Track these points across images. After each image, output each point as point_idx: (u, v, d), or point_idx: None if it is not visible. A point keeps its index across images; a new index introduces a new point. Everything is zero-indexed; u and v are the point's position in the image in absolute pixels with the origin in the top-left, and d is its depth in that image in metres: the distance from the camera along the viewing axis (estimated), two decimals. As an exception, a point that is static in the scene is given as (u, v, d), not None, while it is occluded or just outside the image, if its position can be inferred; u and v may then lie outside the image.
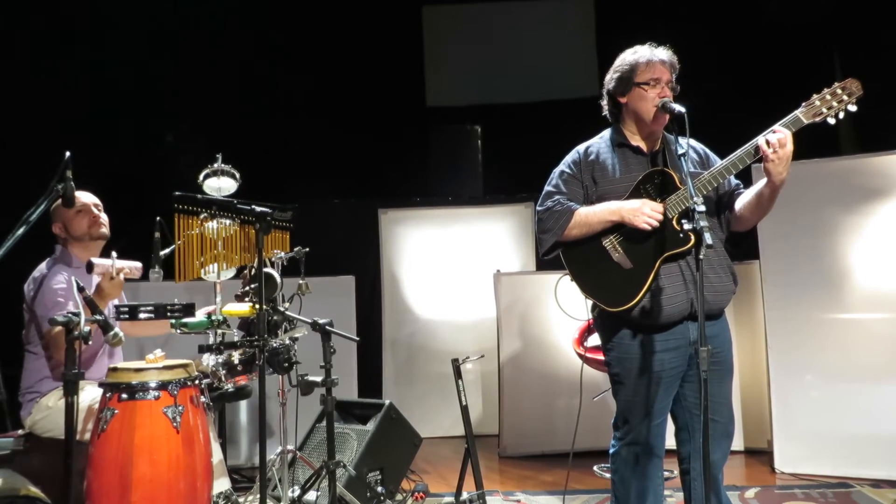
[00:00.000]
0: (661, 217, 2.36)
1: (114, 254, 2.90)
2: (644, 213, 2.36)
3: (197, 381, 2.65)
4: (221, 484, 2.87)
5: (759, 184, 2.38)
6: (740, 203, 2.49)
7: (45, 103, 5.27)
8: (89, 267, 2.66)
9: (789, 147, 2.26)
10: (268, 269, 3.36)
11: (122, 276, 2.73)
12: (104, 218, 3.09)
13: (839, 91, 2.30)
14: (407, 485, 3.82)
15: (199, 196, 2.82)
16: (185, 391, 2.55)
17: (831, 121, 2.31)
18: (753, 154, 2.31)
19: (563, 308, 4.41)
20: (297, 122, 6.21)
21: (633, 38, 2.58)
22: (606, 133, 2.63)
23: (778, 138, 2.25)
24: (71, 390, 2.20)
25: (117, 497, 2.38)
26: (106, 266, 2.69)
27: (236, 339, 3.22)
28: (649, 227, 2.35)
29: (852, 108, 2.29)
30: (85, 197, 3.05)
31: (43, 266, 2.95)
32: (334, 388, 2.88)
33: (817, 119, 2.31)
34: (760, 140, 2.28)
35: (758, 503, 3.64)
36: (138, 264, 2.89)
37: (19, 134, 5.04)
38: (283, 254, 3.43)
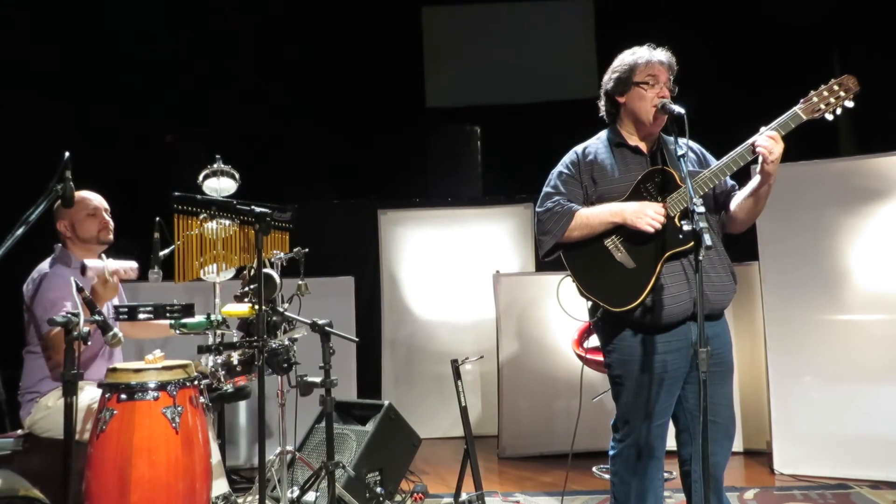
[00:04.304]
0: (663, 220, 2.36)
1: (103, 255, 2.90)
2: (647, 214, 2.36)
3: (196, 382, 2.64)
4: (219, 485, 2.87)
5: (754, 181, 2.40)
6: (735, 204, 2.50)
7: (44, 103, 5.27)
8: (83, 269, 2.66)
9: (781, 146, 2.30)
10: (267, 270, 3.36)
11: (115, 278, 2.73)
12: (111, 223, 3.09)
13: (836, 87, 2.32)
14: (406, 485, 3.82)
15: (199, 196, 2.82)
16: (185, 392, 2.55)
17: (829, 117, 2.33)
18: (749, 154, 2.33)
19: (566, 309, 4.40)
20: (296, 123, 6.22)
21: (632, 39, 2.58)
22: (603, 134, 2.63)
23: (770, 136, 2.29)
24: (70, 391, 2.20)
25: (116, 497, 2.38)
26: (99, 269, 2.69)
27: (235, 339, 3.22)
28: (652, 230, 2.35)
29: (849, 104, 2.32)
30: (96, 199, 3.05)
31: (42, 266, 2.94)
32: (333, 389, 2.88)
33: (816, 115, 2.33)
34: (757, 143, 2.31)
35: (757, 504, 3.64)
36: (133, 264, 2.90)
37: (19, 133, 5.04)
38: (282, 254, 3.43)
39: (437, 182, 6.10)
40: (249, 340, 3.09)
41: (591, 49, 6.56)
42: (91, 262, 2.69)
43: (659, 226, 2.35)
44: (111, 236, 3.07)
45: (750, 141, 2.34)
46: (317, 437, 3.80)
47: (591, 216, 2.45)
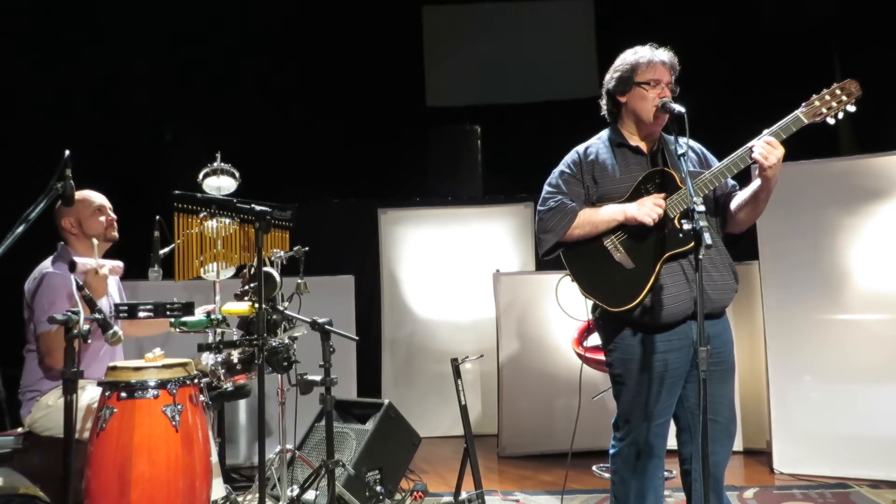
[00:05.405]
0: (661, 211, 2.36)
1: (95, 251, 2.90)
2: (646, 205, 2.37)
3: (196, 380, 2.64)
4: (216, 486, 2.86)
5: (755, 185, 2.41)
6: (735, 204, 2.51)
7: (45, 102, 5.28)
8: (72, 266, 2.66)
9: (780, 151, 2.29)
10: (267, 269, 3.36)
11: (105, 270, 2.73)
12: (116, 221, 3.10)
13: (838, 92, 2.32)
14: (406, 484, 3.82)
15: (199, 195, 2.83)
16: (185, 390, 2.55)
17: (831, 121, 2.33)
18: (749, 157, 2.33)
19: (564, 308, 4.41)
20: (296, 122, 6.21)
21: (632, 39, 2.58)
22: (604, 133, 2.63)
23: (768, 141, 2.29)
24: (70, 389, 2.20)
25: (116, 496, 2.38)
26: (89, 265, 2.70)
27: (235, 338, 3.22)
28: (652, 221, 2.35)
29: (851, 108, 2.32)
30: (100, 198, 3.06)
31: (44, 265, 2.94)
32: (333, 388, 2.88)
33: (817, 119, 2.33)
34: (754, 150, 2.31)
35: (756, 503, 3.64)
36: (120, 263, 2.91)
37: (19, 133, 5.04)
38: (282, 253, 3.43)
39: (438, 181, 6.10)
40: (249, 339, 3.09)
41: (592, 49, 6.56)
42: (81, 259, 2.70)
43: (657, 216, 2.35)
44: (116, 234, 3.08)
45: (749, 144, 2.34)
46: (317, 435, 3.80)
47: (593, 214, 2.46)
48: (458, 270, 5.71)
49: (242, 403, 4.66)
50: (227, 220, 2.86)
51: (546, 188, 2.59)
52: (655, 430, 2.45)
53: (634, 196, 2.44)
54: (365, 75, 6.37)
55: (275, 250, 3.18)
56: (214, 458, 2.88)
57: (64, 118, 5.27)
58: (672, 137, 2.37)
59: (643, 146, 2.54)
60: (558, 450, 4.57)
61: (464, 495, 3.30)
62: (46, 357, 2.77)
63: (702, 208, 2.10)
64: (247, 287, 3.38)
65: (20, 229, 2.17)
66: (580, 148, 2.62)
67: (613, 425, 2.57)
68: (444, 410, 5.34)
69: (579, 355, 4.15)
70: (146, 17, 5.65)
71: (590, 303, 2.53)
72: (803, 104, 2.34)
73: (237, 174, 3.73)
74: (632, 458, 2.48)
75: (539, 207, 2.57)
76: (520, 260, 5.76)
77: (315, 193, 5.93)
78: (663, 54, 2.48)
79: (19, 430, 2.87)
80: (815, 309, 4.12)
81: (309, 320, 2.92)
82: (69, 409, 2.20)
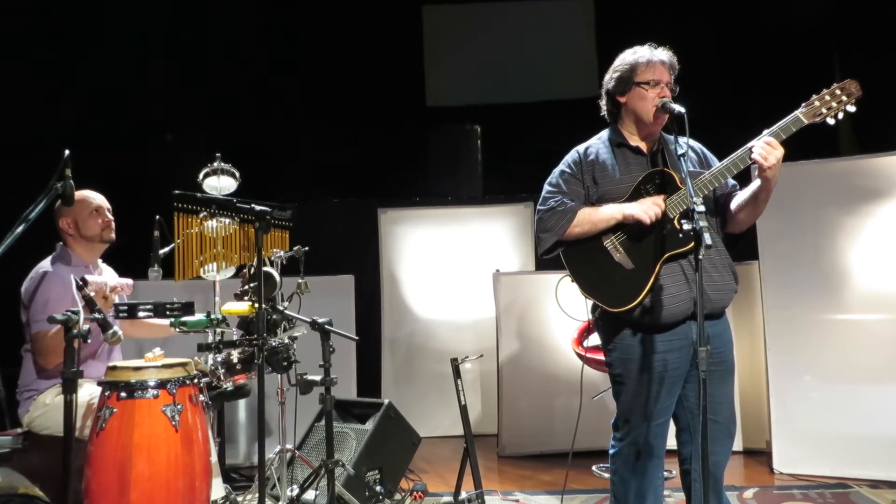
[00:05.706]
0: (660, 211, 2.36)
1: (100, 261, 2.90)
2: (644, 203, 2.37)
3: (196, 380, 2.64)
4: (215, 485, 2.86)
5: (755, 185, 2.41)
6: (735, 204, 2.51)
7: (45, 102, 5.28)
8: (84, 282, 2.65)
9: (779, 152, 2.29)
10: (267, 268, 3.36)
11: (114, 296, 2.74)
12: (113, 222, 3.09)
13: (838, 92, 2.32)
14: (406, 484, 3.82)
15: (199, 195, 2.83)
16: (184, 390, 2.55)
17: (831, 121, 2.33)
18: (749, 158, 2.33)
19: (564, 308, 4.41)
20: (296, 122, 6.22)
21: (633, 39, 2.58)
22: (604, 133, 2.63)
23: (767, 142, 2.28)
24: (70, 389, 2.20)
25: (115, 495, 2.39)
26: (100, 284, 2.69)
27: (235, 337, 3.23)
28: (648, 219, 2.35)
29: (851, 108, 2.31)
30: (98, 198, 3.06)
31: (42, 264, 2.94)
32: (333, 388, 2.87)
33: (817, 119, 2.32)
34: (753, 150, 2.30)
35: (756, 503, 3.64)
36: (130, 282, 2.91)
37: (19, 133, 5.04)
38: (282, 253, 3.43)
39: (438, 181, 6.11)
40: (249, 339, 3.10)
41: (592, 49, 6.57)
42: (92, 278, 2.69)
43: (654, 215, 2.35)
44: (113, 235, 3.08)
45: (749, 144, 2.34)
46: (316, 435, 3.80)
47: (593, 213, 2.46)
48: (458, 270, 5.71)
49: (242, 403, 4.66)
50: (227, 220, 2.85)
51: (546, 187, 2.59)
52: (655, 430, 2.44)
53: (634, 196, 2.44)
54: (365, 75, 6.37)
55: (275, 250, 3.18)
56: (214, 457, 2.88)
57: (64, 118, 5.27)
58: (672, 137, 2.37)
59: (643, 146, 2.54)
60: (558, 450, 4.57)
61: (463, 495, 3.30)
62: (39, 357, 2.77)
63: (702, 208, 2.10)
64: (247, 287, 3.38)
65: (20, 229, 2.17)
66: (580, 148, 2.62)
67: (613, 425, 2.57)
68: (443, 410, 5.34)
69: (579, 355, 4.15)
70: (146, 16, 5.65)
71: (590, 303, 2.53)
72: (803, 104, 2.34)
73: (237, 174, 3.73)
74: (631, 458, 2.48)
75: (539, 207, 2.57)
76: (520, 260, 5.76)
77: (315, 193, 5.94)
78: (662, 54, 2.48)
79: (18, 429, 2.87)
80: (815, 309, 4.12)
81: (309, 320, 2.92)
82: (69, 409, 2.20)
